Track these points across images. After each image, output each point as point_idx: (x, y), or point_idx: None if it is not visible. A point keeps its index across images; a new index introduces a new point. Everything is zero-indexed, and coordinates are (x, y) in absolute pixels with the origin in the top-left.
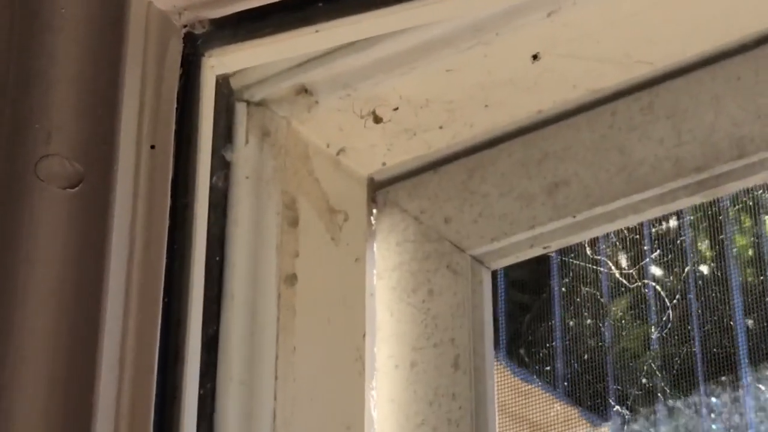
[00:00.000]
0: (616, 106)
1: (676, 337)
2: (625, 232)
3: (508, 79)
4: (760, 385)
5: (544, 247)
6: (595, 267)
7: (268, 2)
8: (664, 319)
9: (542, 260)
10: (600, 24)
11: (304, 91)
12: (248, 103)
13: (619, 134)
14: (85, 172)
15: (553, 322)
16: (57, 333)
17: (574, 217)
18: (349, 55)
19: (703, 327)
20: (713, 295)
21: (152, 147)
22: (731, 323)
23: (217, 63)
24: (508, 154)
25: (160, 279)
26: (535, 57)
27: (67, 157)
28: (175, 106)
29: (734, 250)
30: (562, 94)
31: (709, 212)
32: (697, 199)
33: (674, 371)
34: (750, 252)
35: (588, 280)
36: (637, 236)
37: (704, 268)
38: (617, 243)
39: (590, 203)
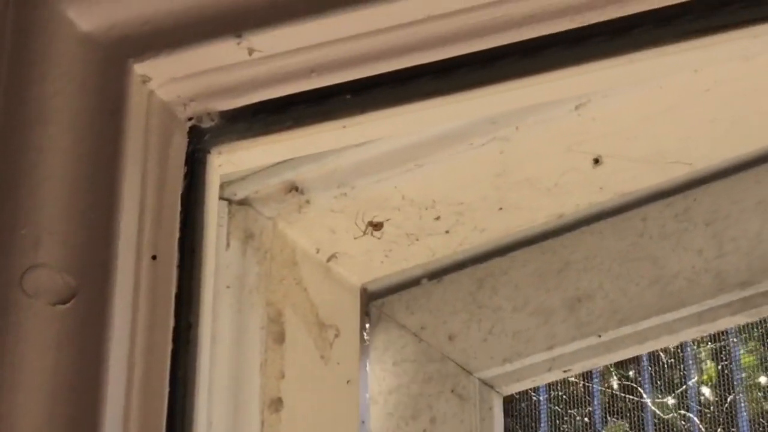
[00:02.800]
0: (647, 211)
1: None
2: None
3: (525, 179)
4: None
5: (565, 371)
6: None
7: (288, 93)
8: None
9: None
10: (633, 119)
11: (293, 189)
12: (230, 201)
13: (650, 243)
14: (77, 285)
15: None
16: None
17: (600, 336)
18: (346, 150)
19: None
20: None
21: (153, 257)
22: None
23: (225, 161)
24: (524, 263)
25: (162, 411)
26: (558, 155)
27: (57, 269)
28: (180, 210)
29: None
30: (587, 197)
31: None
32: (741, 319)
33: None
34: None
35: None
36: (672, 360)
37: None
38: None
39: (618, 321)
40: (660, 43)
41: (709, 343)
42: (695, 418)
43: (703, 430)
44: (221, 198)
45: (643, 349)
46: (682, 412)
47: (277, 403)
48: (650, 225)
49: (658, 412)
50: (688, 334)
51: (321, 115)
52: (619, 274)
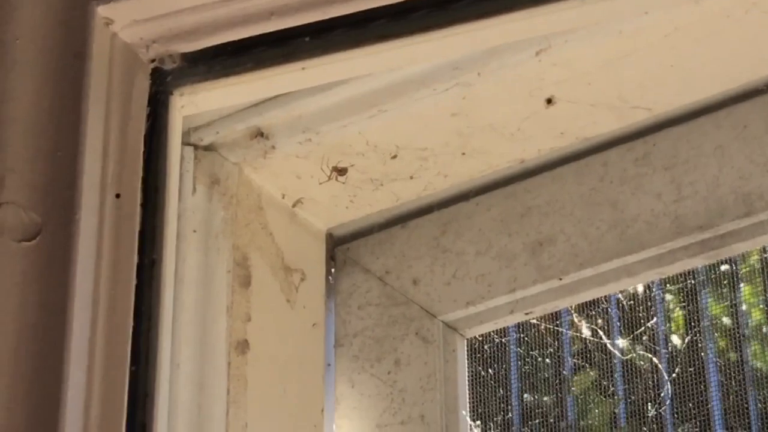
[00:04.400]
0: (608, 156)
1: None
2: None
3: (488, 125)
4: None
5: (526, 313)
6: (578, 334)
7: (249, 35)
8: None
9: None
10: (593, 65)
11: (259, 134)
12: (196, 147)
13: (611, 187)
14: (43, 222)
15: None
16: (12, 405)
17: (561, 279)
18: (311, 96)
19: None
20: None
21: (117, 196)
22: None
23: (188, 102)
24: (487, 207)
25: (126, 344)
26: (520, 100)
27: (23, 206)
28: (143, 150)
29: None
30: (549, 142)
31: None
32: (700, 261)
33: None
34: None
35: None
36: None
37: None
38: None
39: (578, 264)
40: None
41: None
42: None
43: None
44: (187, 144)
45: (603, 291)
46: (646, 354)
47: (243, 345)
48: (611, 170)
49: (618, 354)
50: (647, 276)
51: (280, 57)
52: (580, 218)
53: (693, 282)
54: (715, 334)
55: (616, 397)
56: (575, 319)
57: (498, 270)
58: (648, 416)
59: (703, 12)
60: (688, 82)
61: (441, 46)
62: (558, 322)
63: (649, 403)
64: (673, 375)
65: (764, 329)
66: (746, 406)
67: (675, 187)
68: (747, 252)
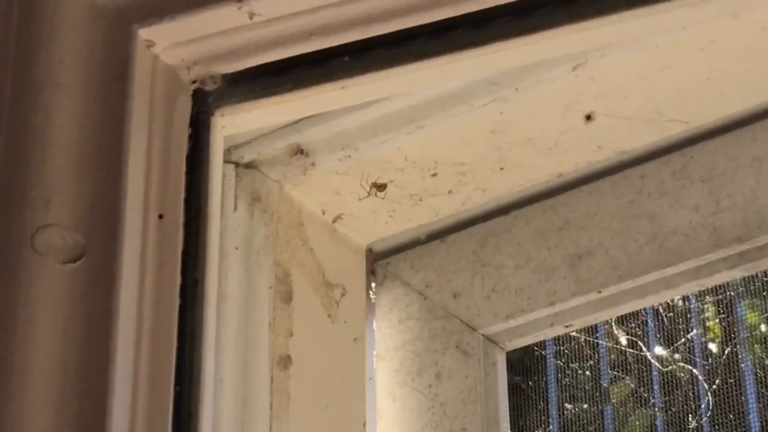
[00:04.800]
0: (645, 169)
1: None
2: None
3: (526, 139)
4: None
5: (566, 326)
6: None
7: (289, 56)
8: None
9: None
10: (629, 79)
11: (299, 152)
12: (237, 164)
13: (648, 200)
14: (86, 244)
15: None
16: (58, 427)
17: (600, 292)
18: (350, 113)
19: None
20: None
21: (160, 216)
22: None
23: (229, 122)
24: (525, 221)
25: (170, 365)
26: (557, 115)
27: (67, 228)
28: (185, 171)
29: None
30: (587, 155)
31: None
32: (738, 273)
33: None
34: None
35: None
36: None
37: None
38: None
39: (617, 277)
40: (650, 2)
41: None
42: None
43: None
44: (229, 161)
45: (642, 304)
46: (686, 365)
47: (285, 361)
48: (648, 182)
49: (658, 365)
50: (687, 288)
51: (320, 76)
52: (618, 231)
53: (731, 293)
54: (754, 344)
55: (654, 408)
56: (614, 330)
57: (537, 283)
58: (688, 427)
59: (738, 25)
60: (723, 95)
61: (479, 63)
62: (596, 335)
63: (690, 415)
64: (714, 386)
65: None
66: None
67: (713, 199)
68: None
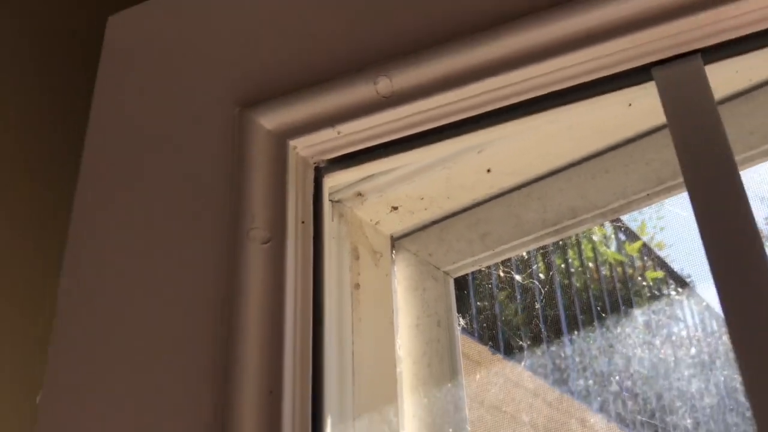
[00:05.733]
0: None
1: None
2: None
3: (461, 185)
4: None
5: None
6: None
7: (366, 146)
8: None
9: None
10: (510, 155)
11: (359, 194)
12: (332, 202)
13: None
14: (271, 236)
15: None
16: (262, 351)
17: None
18: (382, 176)
19: None
20: None
21: (302, 222)
22: None
23: (330, 181)
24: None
25: (309, 306)
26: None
27: (262, 228)
28: (312, 215)
29: None
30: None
31: None
32: None
33: None
34: None
35: None
36: None
37: None
38: None
39: None
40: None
41: None
42: None
43: None
44: (329, 200)
45: None
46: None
47: (357, 287)
48: None
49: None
50: None
51: (384, 152)
52: None
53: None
54: None
55: None
56: None
57: None
58: None
59: None
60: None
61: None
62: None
63: None
64: None
65: None
66: None
67: None
68: None
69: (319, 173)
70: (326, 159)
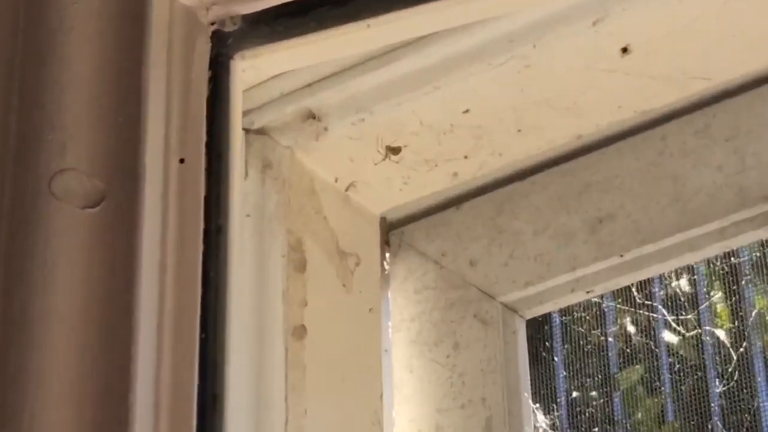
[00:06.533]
0: (666, 129)
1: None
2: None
3: (544, 100)
4: None
5: (587, 291)
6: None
7: None
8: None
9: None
10: (651, 35)
11: (311, 116)
12: (247, 131)
13: (671, 161)
14: (106, 189)
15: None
16: (82, 375)
17: (622, 256)
18: (363, 75)
19: None
20: None
21: (181, 161)
22: None
23: (249, 66)
24: (543, 185)
25: (195, 312)
26: (577, 73)
27: (85, 172)
28: (205, 114)
29: None
30: (607, 116)
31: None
32: (764, 233)
33: None
34: None
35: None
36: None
37: None
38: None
39: (640, 240)
40: None
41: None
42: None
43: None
44: None
45: (665, 267)
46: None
47: (300, 331)
48: (670, 143)
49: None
50: (711, 250)
51: (344, 16)
52: (640, 193)
53: (740, 279)
54: (762, 329)
55: (663, 394)
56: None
57: (557, 249)
58: (699, 413)
59: None
60: (748, 51)
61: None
62: (604, 320)
63: (701, 400)
64: (724, 372)
65: None
66: None
67: (738, 158)
68: None
69: (223, 47)
70: (241, 14)
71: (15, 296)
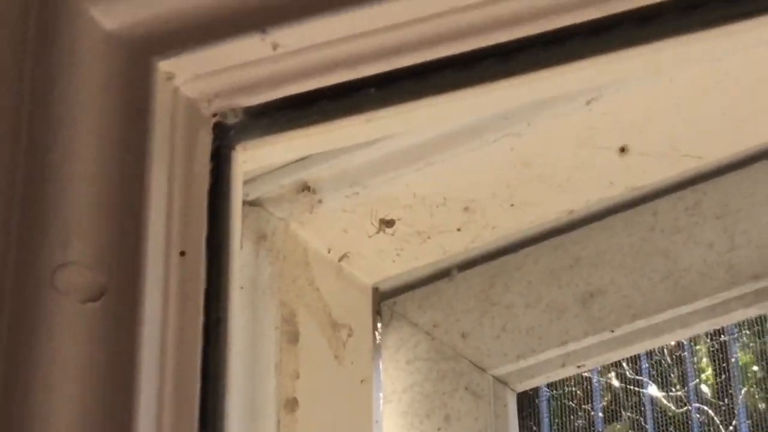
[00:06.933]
0: (658, 205)
1: None
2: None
3: (536, 176)
4: None
5: (578, 366)
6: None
7: (312, 88)
8: None
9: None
10: (643, 113)
11: (306, 189)
12: (242, 202)
13: (662, 237)
14: (107, 282)
15: None
16: None
17: (613, 331)
18: (358, 149)
19: None
20: None
21: (182, 253)
22: None
23: (250, 157)
24: (535, 259)
25: (194, 407)
26: (569, 151)
27: (87, 266)
28: (206, 207)
29: None
30: (598, 191)
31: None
32: (754, 311)
33: None
34: None
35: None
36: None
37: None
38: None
39: (631, 315)
40: (681, 32)
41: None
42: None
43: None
44: None
45: (656, 343)
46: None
47: (292, 403)
48: (661, 219)
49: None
50: (702, 327)
51: (345, 109)
52: (632, 269)
53: (725, 337)
54: (746, 383)
55: None
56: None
57: (548, 322)
58: None
59: (752, 58)
60: (738, 130)
61: (506, 95)
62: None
63: None
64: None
65: None
66: None
67: (728, 236)
68: None
69: (225, 138)
70: (243, 107)
71: (16, 391)
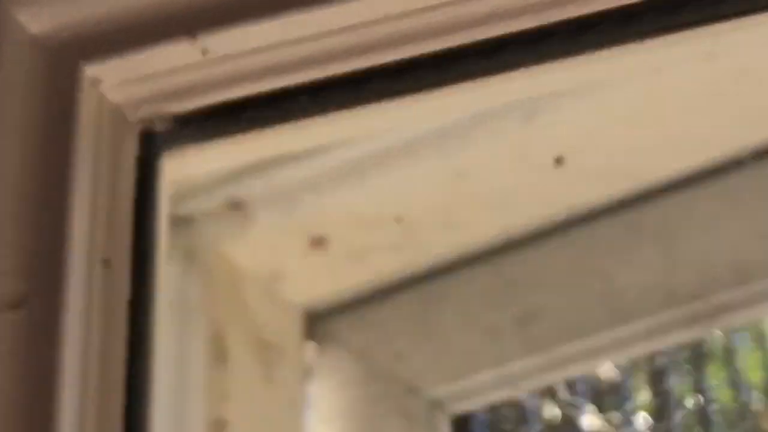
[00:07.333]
0: (595, 225)
1: None
2: None
3: (473, 195)
4: None
5: (514, 388)
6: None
7: (244, 95)
8: None
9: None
10: (582, 130)
11: (236, 206)
12: (172, 218)
13: (599, 258)
14: (28, 290)
15: None
16: None
17: (549, 353)
18: (290, 166)
19: None
20: None
21: (106, 263)
22: None
23: (178, 165)
24: (471, 280)
25: (118, 419)
26: (506, 169)
27: (6, 272)
28: (131, 216)
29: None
30: (536, 212)
31: None
32: (692, 333)
33: None
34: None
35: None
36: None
37: None
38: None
39: (567, 337)
40: (616, 43)
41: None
42: None
43: None
44: None
45: (594, 366)
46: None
47: (221, 425)
48: (598, 240)
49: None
50: (639, 349)
51: (277, 117)
52: (569, 290)
53: (660, 365)
54: (681, 412)
55: None
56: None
57: (484, 344)
58: None
59: (690, 82)
60: (678, 151)
61: (439, 105)
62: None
63: None
64: None
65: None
66: None
67: (666, 256)
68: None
69: (152, 146)
70: (171, 114)
71: None
